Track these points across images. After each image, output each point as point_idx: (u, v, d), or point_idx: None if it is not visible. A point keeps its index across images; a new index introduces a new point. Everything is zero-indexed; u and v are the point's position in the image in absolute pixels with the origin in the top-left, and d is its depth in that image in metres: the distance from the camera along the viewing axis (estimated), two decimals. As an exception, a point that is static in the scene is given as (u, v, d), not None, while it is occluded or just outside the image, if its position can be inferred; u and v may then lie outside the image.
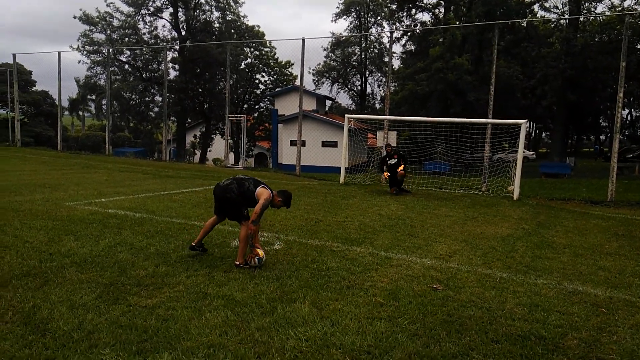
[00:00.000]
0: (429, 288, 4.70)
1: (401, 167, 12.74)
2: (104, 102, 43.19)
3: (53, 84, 22.53)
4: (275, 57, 41.44)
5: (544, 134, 66.70)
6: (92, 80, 37.15)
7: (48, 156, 21.66)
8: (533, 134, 64.38)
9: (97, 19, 34.29)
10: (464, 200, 12.04)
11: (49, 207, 8.11)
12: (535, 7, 34.57)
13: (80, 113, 70.45)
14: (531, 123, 55.22)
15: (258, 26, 39.32)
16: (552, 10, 33.68)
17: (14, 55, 24.97)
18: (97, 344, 3.20)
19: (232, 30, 36.86)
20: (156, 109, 39.23)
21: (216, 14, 37.73)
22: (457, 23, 31.52)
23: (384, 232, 7.38)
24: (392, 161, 12.94)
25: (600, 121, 50.94)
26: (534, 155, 46.89)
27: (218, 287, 4.40)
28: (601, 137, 60.00)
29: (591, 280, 5.26)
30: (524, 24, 32.85)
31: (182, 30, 37.30)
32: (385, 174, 13.12)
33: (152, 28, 36.86)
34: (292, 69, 41.10)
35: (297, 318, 3.78)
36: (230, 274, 4.82)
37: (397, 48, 43.50)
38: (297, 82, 18.70)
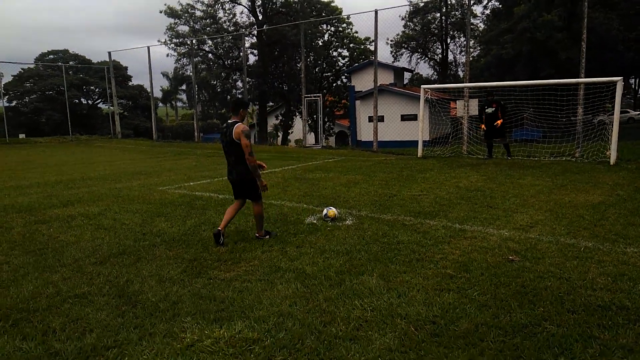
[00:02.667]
0: (504, 260, 4.56)
1: (499, 122, 12.53)
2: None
3: (147, 77, 24.23)
4: (354, 32, 40.97)
5: (653, 91, 59.92)
6: (180, 72, 39.29)
7: (145, 146, 23.48)
8: (640, 92, 58.17)
9: (180, 12, 36.02)
10: (554, 167, 11.31)
11: (143, 192, 8.87)
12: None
13: (173, 103, 75.09)
14: (636, 80, 49.87)
15: (332, 1, 38.93)
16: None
17: (109, 53, 27.17)
18: (180, 313, 3.52)
19: (308, 9, 36.96)
20: (239, 95, 40.70)
21: (291, -6, 38.00)
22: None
23: (461, 204, 7.20)
24: (490, 110, 12.67)
25: None
26: (641, 115, 42.38)
27: (290, 262, 4.61)
28: None
29: (692, 248, 4.79)
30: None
31: (259, 15, 38.09)
32: (482, 125, 13.03)
33: (231, 15, 38.04)
34: (370, 45, 40.48)
35: (364, 290, 3.87)
36: (302, 249, 5.01)
37: (479, 10, 40.87)
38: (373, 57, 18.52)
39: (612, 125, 11.74)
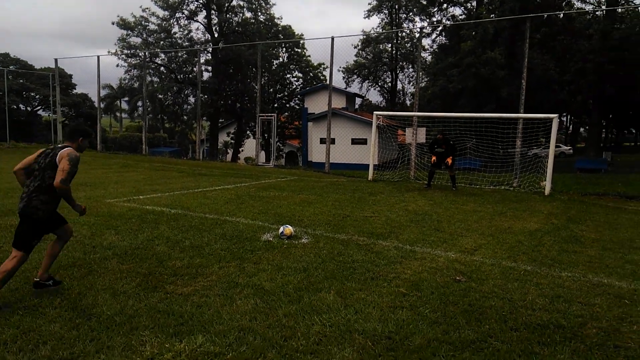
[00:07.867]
0: (451, 280, 4.82)
1: (449, 159, 12.98)
2: (138, 103, 44.68)
3: (91, 86, 23.54)
4: (308, 56, 41.78)
5: (582, 129, 64.67)
6: (129, 83, 38.36)
7: (88, 156, 22.56)
8: (570, 129, 62.61)
9: (134, 24, 35.36)
10: (494, 195, 11.97)
11: (90, 204, 8.56)
12: (572, -2, 33.63)
13: (118, 114, 72.84)
14: (568, 117, 53.69)
15: (289, 26, 39.64)
16: (588, 1, 32.69)
17: (55, 59, 26.12)
18: (138, 326, 3.48)
19: (265, 31, 37.34)
20: (189, 109, 40.18)
21: (248, 14, 38.30)
22: (492, 16, 30.99)
23: (410, 226, 7.50)
24: (440, 150, 13.10)
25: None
26: (571, 150, 45.62)
27: (248, 277, 4.65)
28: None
29: (617, 272, 5.26)
30: (560, 16, 31.97)
31: (215, 33, 38.03)
32: (433, 157, 13.40)
33: (187, 31, 37.76)
34: (325, 70, 41.45)
35: (322, 306, 3.98)
36: (259, 265, 5.07)
37: (428, 42, 42.83)
38: (328, 81, 19.10)
39: (547, 158, 12.62)
